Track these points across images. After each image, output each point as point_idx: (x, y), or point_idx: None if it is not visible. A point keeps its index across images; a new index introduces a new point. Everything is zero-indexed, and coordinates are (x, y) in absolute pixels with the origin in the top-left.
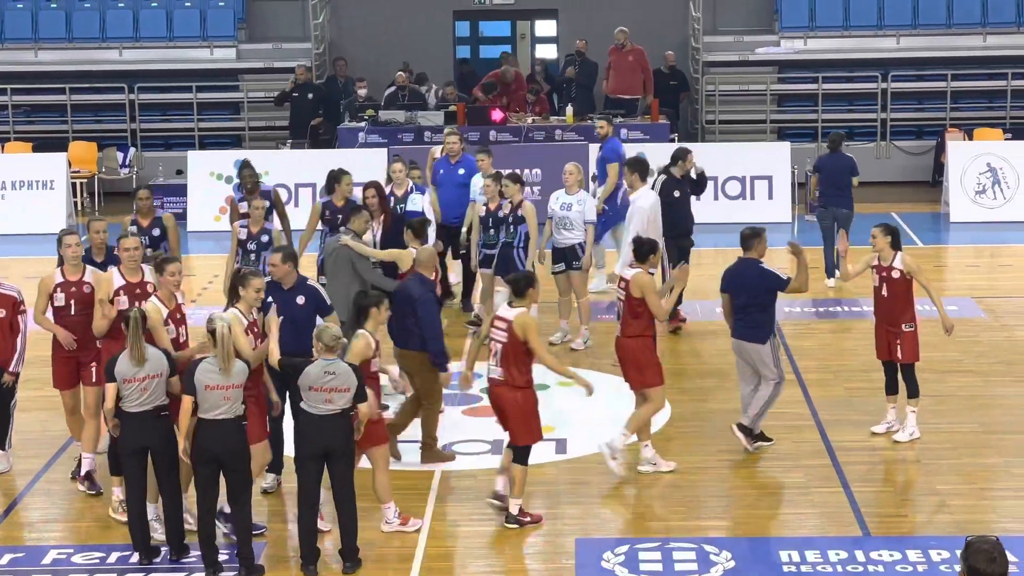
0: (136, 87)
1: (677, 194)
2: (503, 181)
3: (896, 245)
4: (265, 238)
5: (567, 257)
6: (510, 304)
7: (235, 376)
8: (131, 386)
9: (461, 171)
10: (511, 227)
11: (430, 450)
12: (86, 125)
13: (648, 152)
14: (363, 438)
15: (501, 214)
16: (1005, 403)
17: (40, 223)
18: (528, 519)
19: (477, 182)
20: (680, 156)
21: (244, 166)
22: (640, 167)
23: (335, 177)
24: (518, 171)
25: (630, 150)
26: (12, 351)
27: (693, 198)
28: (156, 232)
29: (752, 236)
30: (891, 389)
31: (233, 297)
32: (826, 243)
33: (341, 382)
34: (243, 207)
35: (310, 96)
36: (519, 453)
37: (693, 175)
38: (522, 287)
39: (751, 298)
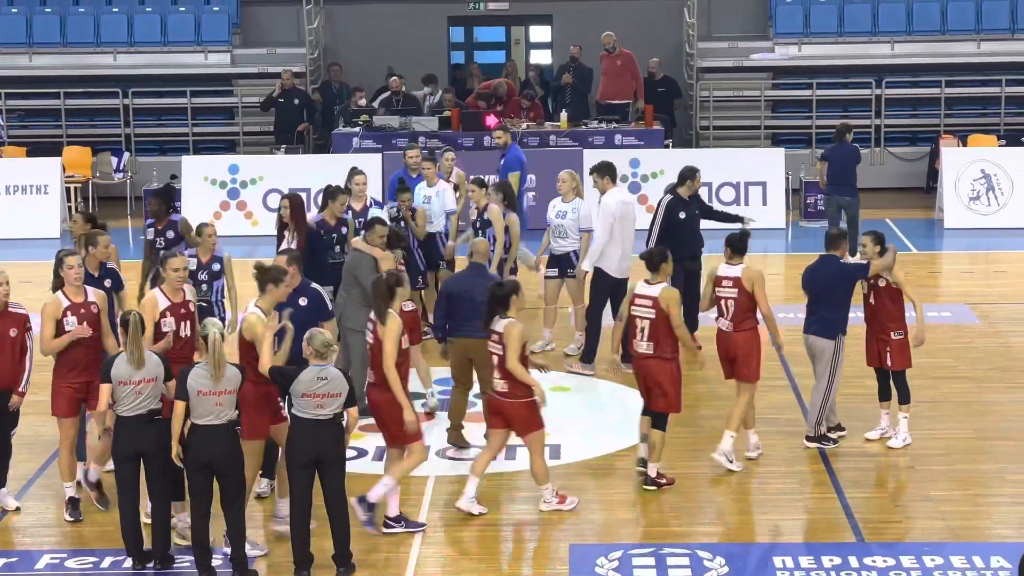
0: (130, 92)
1: (683, 215)
2: (468, 186)
3: (883, 252)
4: (216, 267)
5: (561, 264)
6: (648, 281)
7: (227, 382)
8: (126, 389)
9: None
10: (478, 231)
11: (457, 431)
12: (80, 130)
13: (642, 158)
14: (521, 424)
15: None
16: (999, 409)
17: (34, 228)
18: (664, 481)
19: (419, 191)
20: (688, 175)
21: (156, 194)
22: (609, 170)
23: (330, 194)
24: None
25: (624, 156)
26: (21, 371)
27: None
28: (215, 267)
29: (839, 236)
30: (884, 395)
31: (262, 292)
32: (830, 228)
33: (333, 388)
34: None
35: (296, 102)
36: (659, 420)
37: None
38: (657, 261)
39: (828, 293)
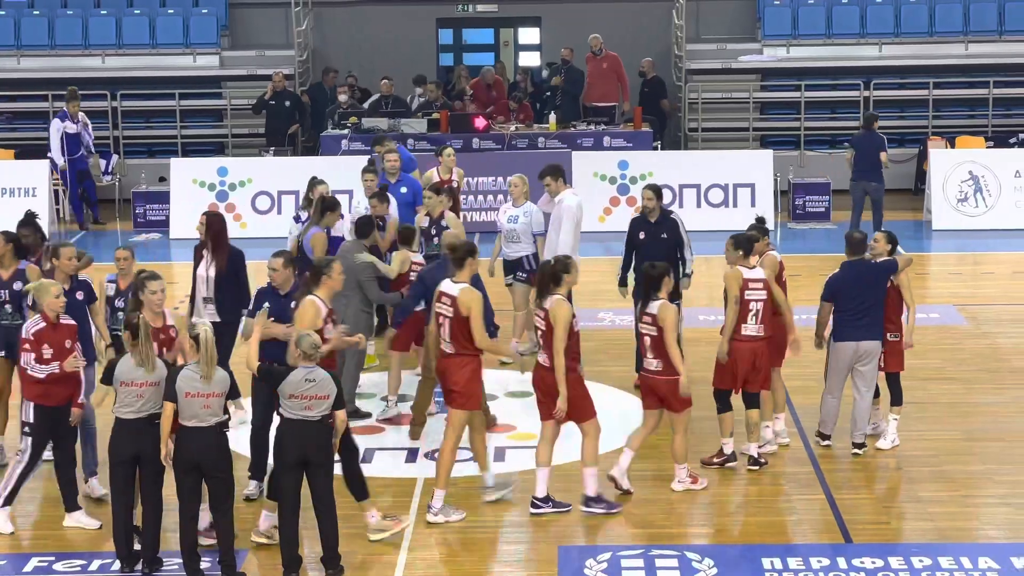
0: (119, 94)
1: (643, 236)
2: (425, 193)
3: (893, 254)
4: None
5: (514, 269)
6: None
7: (216, 384)
8: (129, 390)
9: (403, 190)
10: (433, 237)
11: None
12: None
13: (631, 160)
14: (677, 401)
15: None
16: (987, 410)
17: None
18: (765, 461)
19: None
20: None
21: (21, 224)
22: (562, 172)
23: (330, 205)
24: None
25: (612, 158)
26: (79, 384)
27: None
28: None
29: (863, 239)
30: (875, 394)
31: (313, 285)
32: (855, 212)
33: (321, 390)
34: None
35: (287, 104)
36: (751, 399)
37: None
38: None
39: (876, 295)
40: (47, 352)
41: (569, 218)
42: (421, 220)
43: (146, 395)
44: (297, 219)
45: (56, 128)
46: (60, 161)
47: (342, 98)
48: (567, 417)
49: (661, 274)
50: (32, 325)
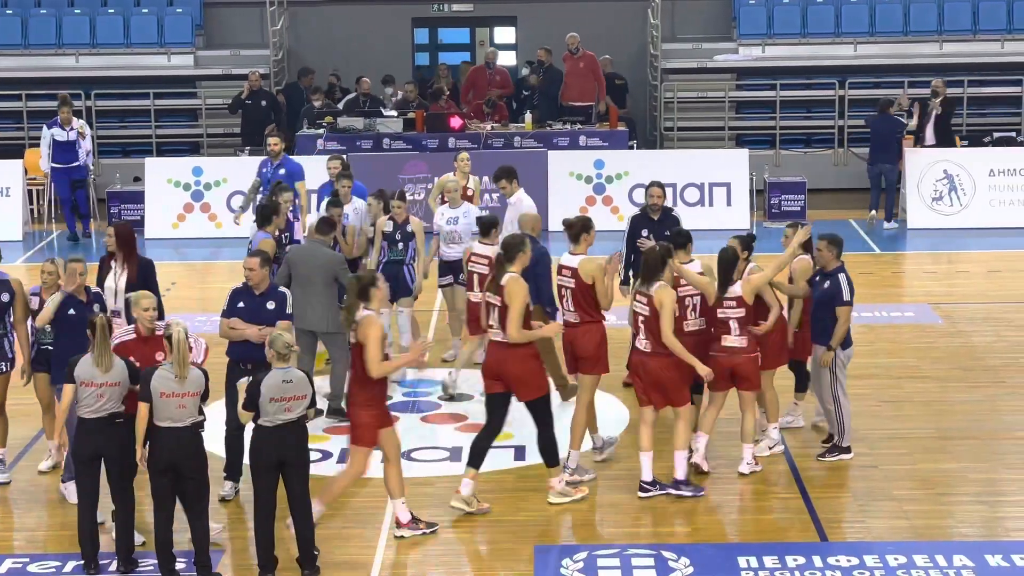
0: (93, 94)
1: (645, 233)
2: (394, 202)
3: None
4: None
5: (455, 271)
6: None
7: (191, 384)
8: (89, 391)
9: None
10: (397, 243)
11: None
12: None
13: (607, 159)
14: (750, 381)
15: (387, 230)
16: (962, 408)
17: None
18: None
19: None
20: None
21: None
22: (515, 174)
23: (273, 210)
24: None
25: (588, 157)
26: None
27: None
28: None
29: (841, 242)
30: (802, 387)
31: (364, 299)
32: (873, 190)
33: (299, 390)
34: None
35: (263, 103)
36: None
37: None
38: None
39: (836, 301)
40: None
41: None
42: (383, 225)
43: (106, 395)
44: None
45: (44, 135)
46: (46, 167)
47: (316, 104)
48: (667, 401)
49: (663, 256)
50: (123, 335)
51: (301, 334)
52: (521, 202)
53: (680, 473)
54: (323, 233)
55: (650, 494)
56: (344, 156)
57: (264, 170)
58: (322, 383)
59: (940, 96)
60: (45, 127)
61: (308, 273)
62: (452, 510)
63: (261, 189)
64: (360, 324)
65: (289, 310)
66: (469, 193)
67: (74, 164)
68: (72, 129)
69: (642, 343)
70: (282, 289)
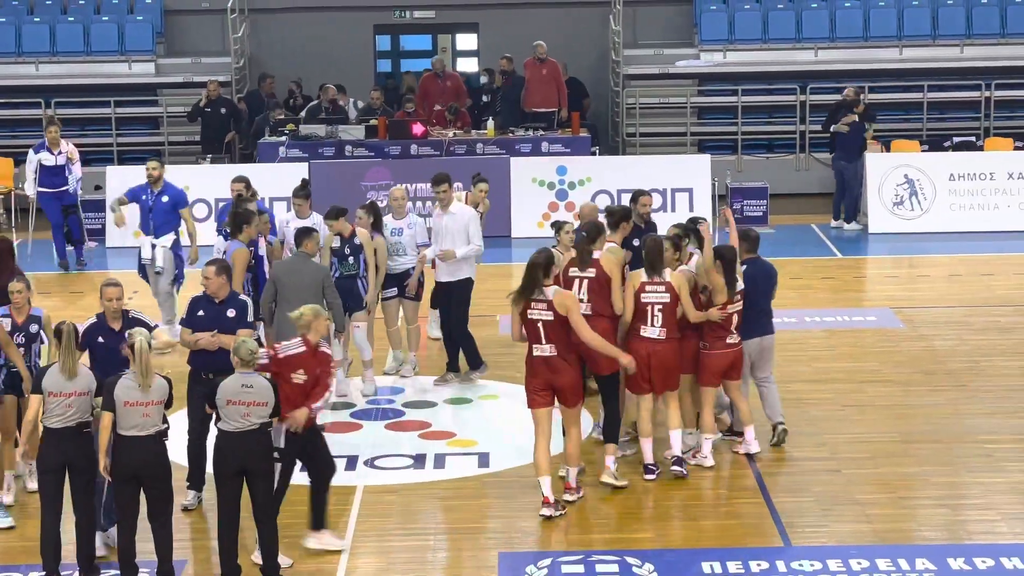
0: (53, 102)
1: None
2: (358, 212)
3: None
4: (34, 327)
5: (399, 283)
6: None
7: (154, 392)
8: (57, 400)
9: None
10: (347, 256)
11: None
12: (2, 141)
13: (569, 165)
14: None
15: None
16: (924, 412)
17: None
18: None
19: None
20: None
21: None
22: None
23: (245, 219)
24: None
25: (551, 163)
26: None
27: None
28: (33, 328)
29: (759, 237)
30: None
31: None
32: (837, 190)
33: (259, 396)
34: None
35: (223, 111)
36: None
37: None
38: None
39: (772, 291)
40: (299, 377)
41: (476, 224)
42: (330, 241)
43: (75, 404)
44: (221, 232)
45: (31, 160)
46: (31, 192)
47: (279, 116)
48: (667, 386)
49: (659, 245)
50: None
51: None
52: (465, 211)
53: (677, 450)
54: (302, 246)
55: (654, 475)
56: (247, 178)
57: (144, 197)
58: None
59: (853, 102)
60: (32, 151)
61: (297, 287)
62: (413, 516)
63: (150, 216)
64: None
65: (250, 318)
66: (480, 211)
67: (63, 189)
68: (61, 152)
69: (654, 331)
70: (242, 297)
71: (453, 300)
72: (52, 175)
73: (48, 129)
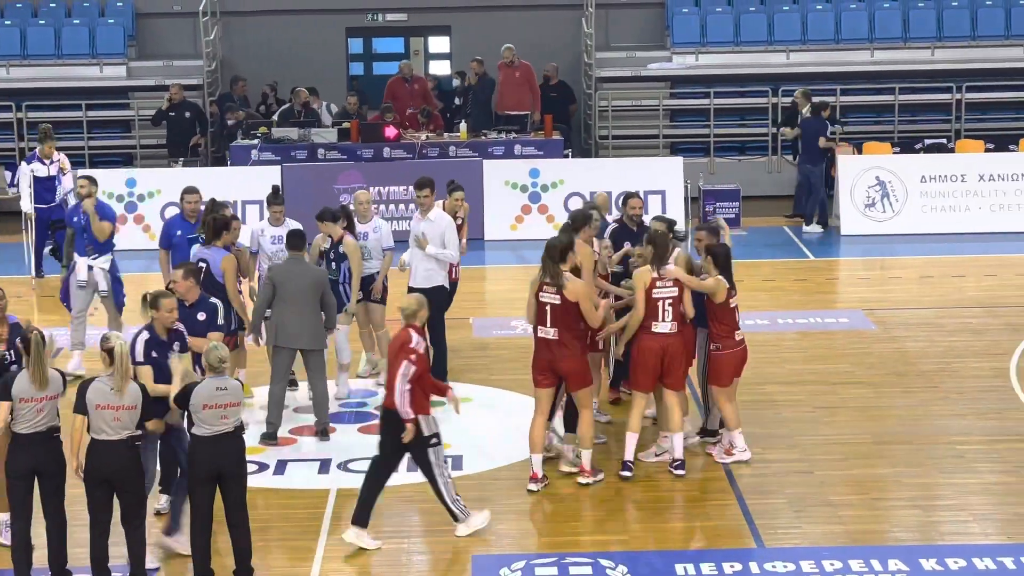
0: (24, 105)
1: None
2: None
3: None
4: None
5: (365, 286)
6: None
7: (128, 398)
8: (27, 406)
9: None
10: (331, 263)
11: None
12: None
13: (542, 168)
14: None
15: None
16: (895, 413)
17: None
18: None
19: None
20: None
21: None
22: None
23: (224, 224)
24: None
25: (524, 166)
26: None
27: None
28: None
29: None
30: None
31: None
32: (798, 192)
33: (233, 397)
34: None
35: (187, 115)
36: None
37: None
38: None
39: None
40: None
41: (452, 231)
42: (321, 243)
43: (45, 409)
44: (198, 240)
45: (24, 171)
46: (28, 208)
47: (230, 122)
48: (674, 382)
49: (666, 240)
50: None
51: (283, 353)
52: (443, 217)
53: (679, 452)
54: (298, 248)
55: (632, 473)
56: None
57: (76, 219)
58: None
59: (803, 108)
60: (24, 163)
61: (297, 290)
62: (387, 520)
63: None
64: None
65: (221, 321)
66: (459, 222)
67: (54, 203)
68: (53, 163)
69: (666, 326)
70: (213, 300)
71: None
72: (44, 188)
73: (46, 144)
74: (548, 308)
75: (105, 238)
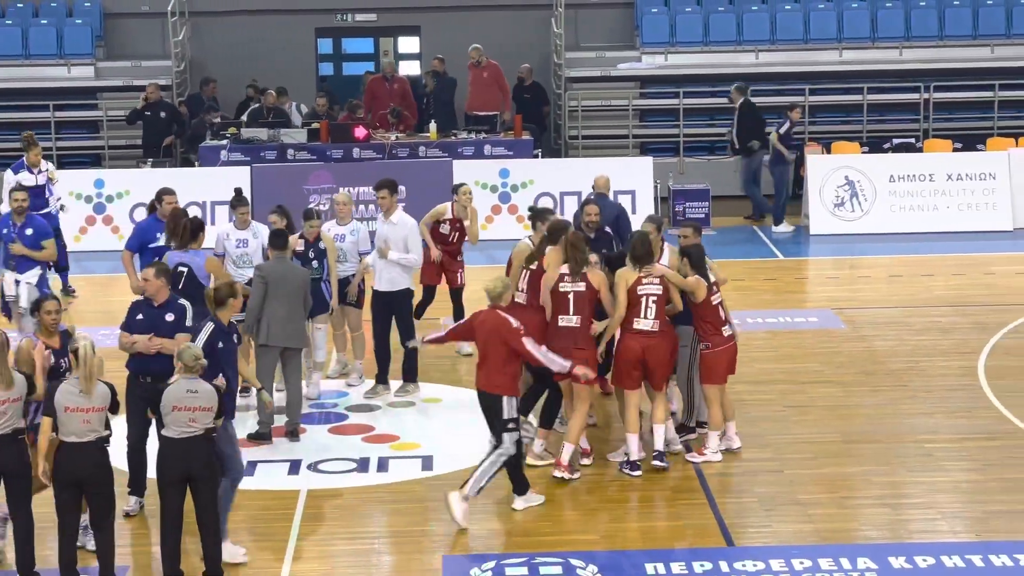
0: None
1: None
2: (309, 221)
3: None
4: None
5: (341, 289)
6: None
7: (97, 399)
8: None
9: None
10: (311, 261)
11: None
12: None
13: (512, 168)
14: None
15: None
16: (864, 412)
17: None
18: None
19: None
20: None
21: None
22: (396, 188)
23: (199, 226)
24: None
25: (494, 166)
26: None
27: None
28: None
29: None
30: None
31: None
32: (748, 189)
33: (205, 401)
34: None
35: (163, 115)
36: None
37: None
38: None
39: None
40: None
41: (416, 234)
42: (294, 244)
43: (9, 411)
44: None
45: (8, 180)
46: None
47: (216, 120)
48: (658, 381)
49: (648, 239)
50: None
51: (270, 352)
52: (405, 223)
53: (660, 444)
54: (281, 248)
55: (640, 472)
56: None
57: (4, 231)
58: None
59: (736, 102)
60: (10, 171)
61: (290, 290)
62: (358, 520)
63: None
64: None
65: (189, 322)
66: (465, 224)
67: (43, 212)
68: (41, 172)
69: (648, 323)
70: (182, 301)
71: (395, 313)
72: (33, 196)
73: (32, 150)
74: (571, 296)
75: (43, 259)
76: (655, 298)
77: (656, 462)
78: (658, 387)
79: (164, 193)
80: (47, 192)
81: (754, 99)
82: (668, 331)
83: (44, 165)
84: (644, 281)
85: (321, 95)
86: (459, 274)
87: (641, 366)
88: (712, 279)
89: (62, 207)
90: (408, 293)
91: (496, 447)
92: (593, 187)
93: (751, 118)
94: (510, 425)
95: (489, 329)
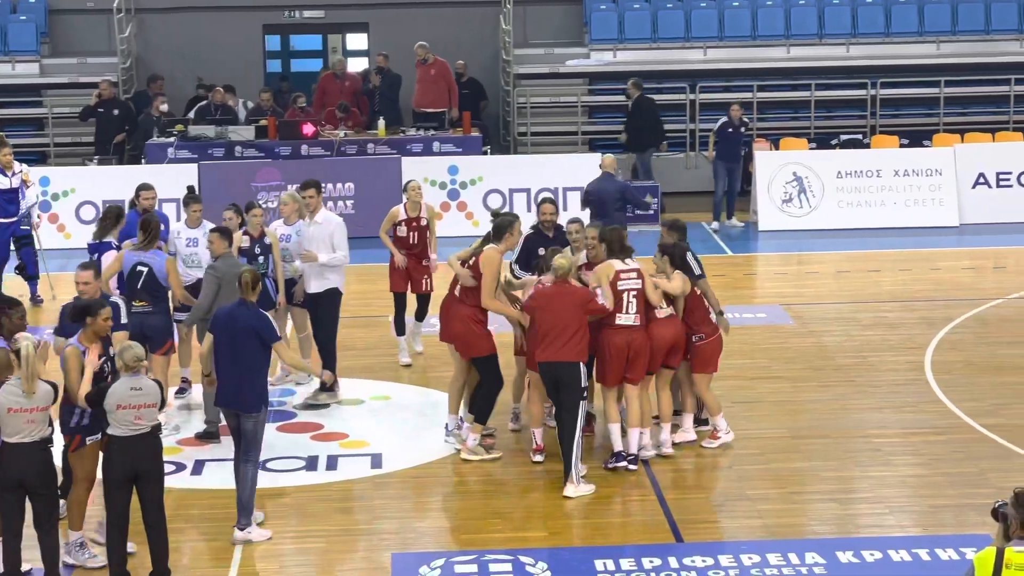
0: None
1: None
2: (251, 214)
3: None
4: None
5: (287, 289)
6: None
7: (39, 399)
8: None
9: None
10: (257, 256)
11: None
12: None
13: (460, 165)
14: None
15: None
16: (813, 408)
17: None
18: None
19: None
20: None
21: None
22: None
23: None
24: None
25: (442, 163)
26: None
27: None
28: None
29: (686, 226)
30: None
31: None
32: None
33: (148, 398)
34: None
35: (115, 112)
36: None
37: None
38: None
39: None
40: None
41: (343, 234)
42: (239, 241)
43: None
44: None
45: None
46: None
47: (163, 108)
48: (639, 375)
49: (621, 235)
50: None
51: None
52: (331, 220)
53: (634, 447)
54: (228, 246)
55: (624, 463)
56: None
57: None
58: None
59: (632, 97)
60: None
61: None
62: (308, 517)
63: None
64: None
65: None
66: (423, 223)
67: (15, 219)
68: (15, 174)
69: (630, 318)
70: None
71: (320, 311)
72: (6, 201)
73: (1, 151)
74: (633, 295)
75: None
76: (635, 293)
77: (629, 465)
78: (636, 380)
79: (142, 188)
80: (20, 195)
81: (702, 96)
82: (648, 324)
83: (18, 167)
84: (623, 276)
85: (265, 90)
86: (425, 280)
87: (624, 361)
88: (697, 272)
89: (33, 215)
90: (335, 292)
91: (564, 424)
92: (600, 166)
93: (647, 113)
94: (586, 393)
95: (564, 302)
